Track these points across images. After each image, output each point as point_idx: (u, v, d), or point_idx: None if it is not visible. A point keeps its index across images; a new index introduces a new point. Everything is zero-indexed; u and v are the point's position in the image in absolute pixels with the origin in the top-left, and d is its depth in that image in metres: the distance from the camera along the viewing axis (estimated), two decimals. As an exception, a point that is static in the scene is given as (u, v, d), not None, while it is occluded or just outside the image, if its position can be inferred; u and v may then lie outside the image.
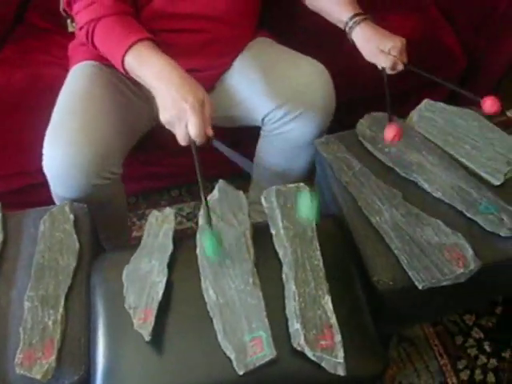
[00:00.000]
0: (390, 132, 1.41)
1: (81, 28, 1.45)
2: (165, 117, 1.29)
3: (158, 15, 1.55)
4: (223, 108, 1.73)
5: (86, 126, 1.44)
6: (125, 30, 1.40)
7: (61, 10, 1.53)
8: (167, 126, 1.30)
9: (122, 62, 1.38)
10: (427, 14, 2.12)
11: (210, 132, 1.28)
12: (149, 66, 1.34)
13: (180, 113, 1.26)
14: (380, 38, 1.51)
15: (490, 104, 1.39)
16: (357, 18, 1.54)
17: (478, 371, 1.86)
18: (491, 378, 1.84)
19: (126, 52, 1.36)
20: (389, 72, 1.52)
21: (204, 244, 1.19)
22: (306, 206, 1.20)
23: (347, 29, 1.56)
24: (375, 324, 1.26)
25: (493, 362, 1.89)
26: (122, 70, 1.41)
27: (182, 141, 1.29)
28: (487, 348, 1.91)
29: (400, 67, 1.51)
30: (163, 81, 1.30)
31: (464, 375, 1.85)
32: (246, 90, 1.67)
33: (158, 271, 1.24)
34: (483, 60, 2.08)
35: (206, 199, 1.23)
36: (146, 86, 1.37)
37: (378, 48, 1.50)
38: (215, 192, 1.39)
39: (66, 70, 1.67)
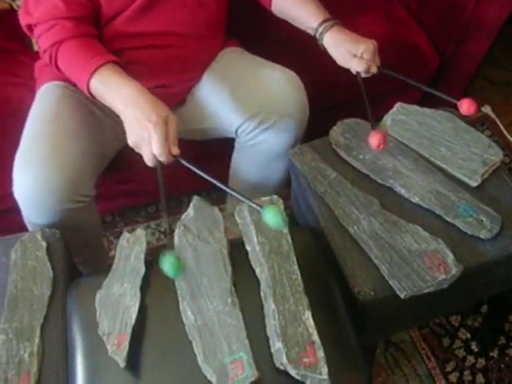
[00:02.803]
0: (374, 140, 1.40)
1: (44, 51, 1.44)
2: (131, 139, 1.28)
3: (120, 35, 1.53)
4: (195, 121, 1.71)
5: (55, 149, 1.42)
6: (88, 54, 1.38)
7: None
8: (135, 149, 1.29)
9: (88, 86, 1.37)
10: (396, 16, 2.11)
11: (176, 150, 1.27)
12: (114, 91, 1.33)
13: (144, 133, 1.25)
14: (351, 42, 1.49)
15: (467, 106, 1.39)
16: (326, 24, 1.52)
17: (466, 372, 1.85)
18: (480, 378, 1.84)
19: (90, 76, 1.35)
20: (363, 75, 1.50)
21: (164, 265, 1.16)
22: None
23: (317, 35, 1.53)
24: (359, 335, 1.24)
25: (481, 361, 1.88)
26: (88, 95, 1.39)
27: (148, 161, 1.27)
28: (474, 348, 1.90)
29: (374, 70, 1.49)
30: (129, 105, 1.30)
31: (453, 377, 1.84)
32: (217, 101, 1.65)
33: (130, 295, 1.21)
34: (454, 58, 2.07)
35: (170, 223, 1.24)
36: (113, 110, 1.36)
37: (350, 52, 1.48)
38: (190, 210, 1.36)
39: (33, 91, 1.65)
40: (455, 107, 1.41)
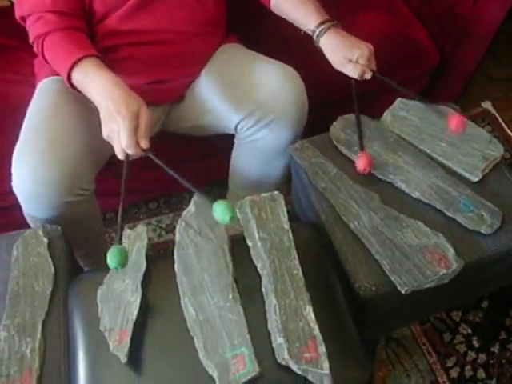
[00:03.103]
0: (361, 164, 1.42)
1: (32, 43, 1.47)
2: (104, 131, 1.30)
3: (116, 31, 1.54)
4: (194, 117, 1.71)
5: (53, 143, 1.42)
6: (70, 46, 1.41)
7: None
8: (108, 141, 1.31)
9: (69, 78, 1.39)
10: (396, 12, 2.10)
11: (145, 144, 1.28)
12: (93, 82, 1.35)
13: (113, 125, 1.27)
14: (347, 46, 1.49)
15: (455, 123, 1.44)
16: (323, 26, 1.51)
17: (467, 367, 1.85)
18: (481, 373, 1.84)
19: (71, 68, 1.37)
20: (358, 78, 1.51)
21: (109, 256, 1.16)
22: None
23: (314, 37, 1.53)
24: (360, 330, 1.24)
25: (482, 357, 1.88)
26: (69, 86, 1.41)
27: (118, 154, 1.30)
28: (475, 343, 1.90)
29: (368, 76, 1.50)
30: (104, 96, 1.31)
31: (454, 372, 1.84)
32: (216, 97, 1.65)
33: (131, 291, 1.21)
34: (455, 54, 2.07)
35: (122, 219, 1.23)
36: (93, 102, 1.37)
37: (345, 58, 1.48)
38: (191, 206, 1.36)
39: (33, 87, 1.65)
40: (456, 100, 1.42)
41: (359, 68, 1.48)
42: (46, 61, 1.47)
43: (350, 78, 1.52)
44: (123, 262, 1.16)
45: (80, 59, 1.36)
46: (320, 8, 1.56)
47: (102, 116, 1.31)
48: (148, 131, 1.29)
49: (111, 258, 1.15)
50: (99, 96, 1.33)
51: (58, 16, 1.42)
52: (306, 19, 1.55)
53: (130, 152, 1.27)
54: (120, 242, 1.20)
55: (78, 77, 1.37)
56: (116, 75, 1.36)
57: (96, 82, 1.34)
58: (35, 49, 1.47)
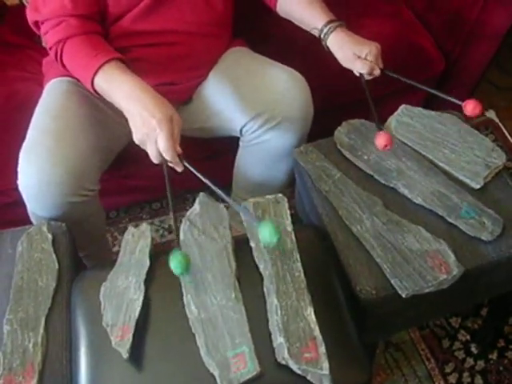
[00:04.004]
0: (381, 141, 1.40)
1: (50, 48, 1.46)
2: (136, 136, 1.30)
3: (127, 33, 1.54)
4: (201, 119, 1.72)
5: (61, 143, 1.43)
6: (93, 51, 1.39)
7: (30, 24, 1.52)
8: (141, 146, 1.31)
9: (92, 84, 1.38)
10: (402, 19, 2.11)
11: (179, 149, 1.28)
12: (116, 87, 1.35)
13: (149, 130, 1.26)
14: (356, 43, 1.49)
15: (471, 107, 1.40)
16: (331, 25, 1.52)
17: (465, 374, 1.86)
18: (479, 380, 1.84)
19: (95, 74, 1.36)
20: (366, 78, 1.52)
21: (172, 263, 1.16)
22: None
23: (322, 36, 1.54)
24: (360, 333, 1.25)
25: (480, 363, 1.89)
26: (92, 92, 1.41)
27: (153, 158, 1.29)
28: (474, 350, 1.91)
29: (377, 72, 1.51)
30: (132, 101, 1.31)
31: (452, 379, 1.85)
32: (222, 100, 1.66)
33: (134, 288, 1.22)
34: (460, 61, 2.08)
35: (175, 220, 1.24)
36: (117, 107, 1.37)
37: (354, 54, 1.49)
38: (196, 206, 1.37)
39: (41, 86, 1.66)
40: (460, 109, 1.42)
41: (368, 64, 1.48)
42: (63, 66, 1.46)
43: (360, 77, 1.52)
44: (188, 267, 1.17)
45: (103, 64, 1.35)
46: (326, 8, 1.58)
47: (131, 121, 1.31)
48: (179, 136, 1.30)
49: (176, 265, 1.15)
50: (126, 101, 1.32)
51: (79, 20, 1.42)
52: (314, 19, 1.56)
53: (167, 156, 1.26)
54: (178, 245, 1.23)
55: (101, 82, 1.36)
56: (140, 78, 1.35)
57: (122, 88, 1.34)
58: (53, 54, 1.46)
